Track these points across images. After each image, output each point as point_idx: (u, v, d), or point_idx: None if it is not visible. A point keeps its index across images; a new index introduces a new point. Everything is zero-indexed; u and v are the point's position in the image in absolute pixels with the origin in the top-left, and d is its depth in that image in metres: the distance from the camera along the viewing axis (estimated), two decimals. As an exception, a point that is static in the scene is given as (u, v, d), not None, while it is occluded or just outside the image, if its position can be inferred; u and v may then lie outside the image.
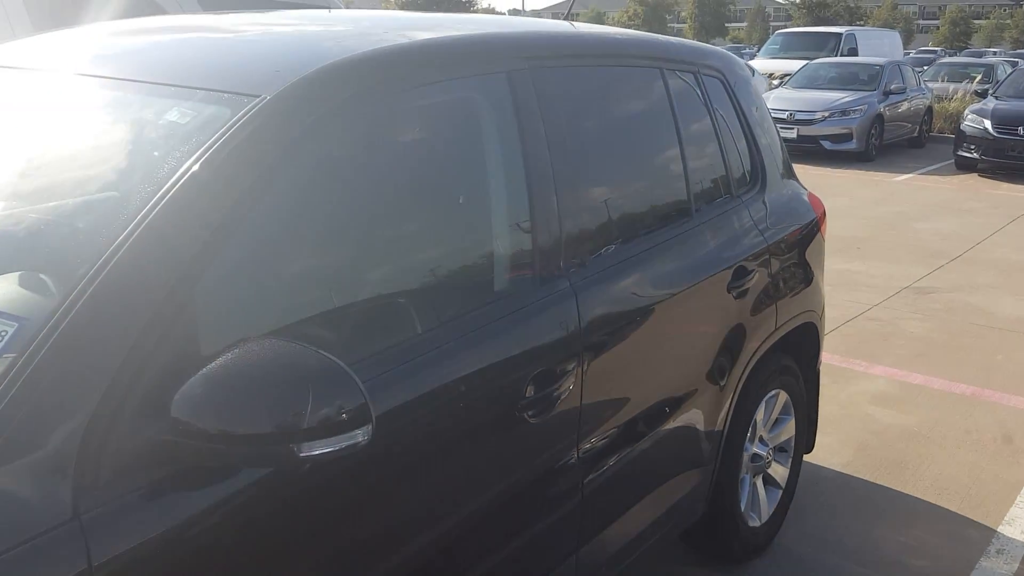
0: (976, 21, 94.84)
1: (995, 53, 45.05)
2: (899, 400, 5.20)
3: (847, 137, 14.99)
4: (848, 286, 7.50)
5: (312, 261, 1.95)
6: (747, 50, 35.74)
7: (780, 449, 3.70)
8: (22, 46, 2.43)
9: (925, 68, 23.11)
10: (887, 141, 15.80)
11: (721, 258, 3.09)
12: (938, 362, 5.84)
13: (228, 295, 1.75)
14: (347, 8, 5.68)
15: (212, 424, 1.55)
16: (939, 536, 3.79)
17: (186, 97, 1.96)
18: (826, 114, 15.06)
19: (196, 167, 1.71)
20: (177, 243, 1.65)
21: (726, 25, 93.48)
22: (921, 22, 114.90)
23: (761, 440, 3.53)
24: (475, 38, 2.43)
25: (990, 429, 4.84)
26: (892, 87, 15.97)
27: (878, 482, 4.23)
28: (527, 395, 2.24)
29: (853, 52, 21.13)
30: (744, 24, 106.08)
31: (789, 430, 3.71)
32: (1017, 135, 13.43)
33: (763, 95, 15.50)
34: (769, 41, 24.25)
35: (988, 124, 13.74)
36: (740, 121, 3.44)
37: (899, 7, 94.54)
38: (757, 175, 3.49)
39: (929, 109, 17.49)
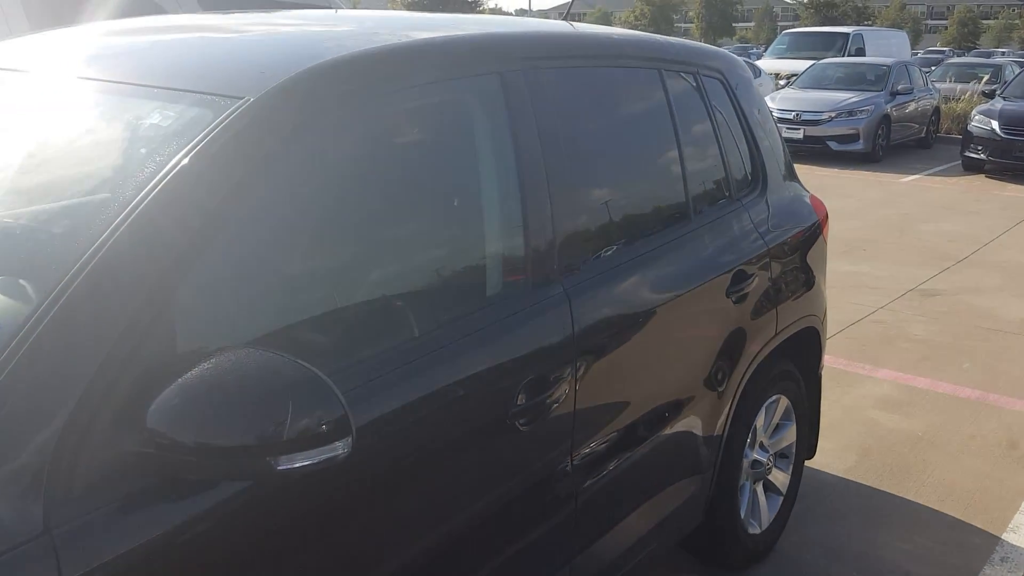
0: (984, 21, 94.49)
1: (1003, 53, 44.91)
2: (903, 404, 5.15)
3: (854, 138, 14.92)
4: (853, 288, 7.44)
5: (297, 268, 1.90)
6: (754, 50, 35.67)
7: (781, 455, 3.65)
8: (3, 47, 2.39)
9: (933, 68, 23.01)
10: (894, 142, 15.73)
11: (720, 262, 3.04)
12: (943, 365, 5.78)
13: (208, 303, 1.71)
14: (353, 8, 5.65)
15: (189, 436, 1.51)
16: (942, 543, 3.74)
17: (168, 99, 1.92)
18: (833, 114, 14.99)
19: (175, 172, 1.67)
20: (155, 250, 1.61)
21: (733, 25, 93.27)
22: (929, 22, 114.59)
23: (761, 446, 3.48)
24: (467, 39, 2.39)
25: (995, 434, 4.79)
26: (899, 87, 15.90)
27: (881, 488, 4.18)
28: (519, 403, 2.20)
29: (860, 52, 21.05)
30: (751, 24, 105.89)
31: (790, 436, 3.66)
32: (1025, 136, 13.36)
33: (770, 95, 15.57)
34: (776, 41, 24.17)
35: (995, 125, 13.65)
36: (741, 122, 3.40)
37: (907, 7, 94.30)
38: (758, 177, 3.45)
39: (936, 110, 17.41)
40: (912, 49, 29.40)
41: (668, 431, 2.82)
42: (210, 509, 1.61)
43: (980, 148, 13.83)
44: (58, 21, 3.23)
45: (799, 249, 3.58)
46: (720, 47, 3.79)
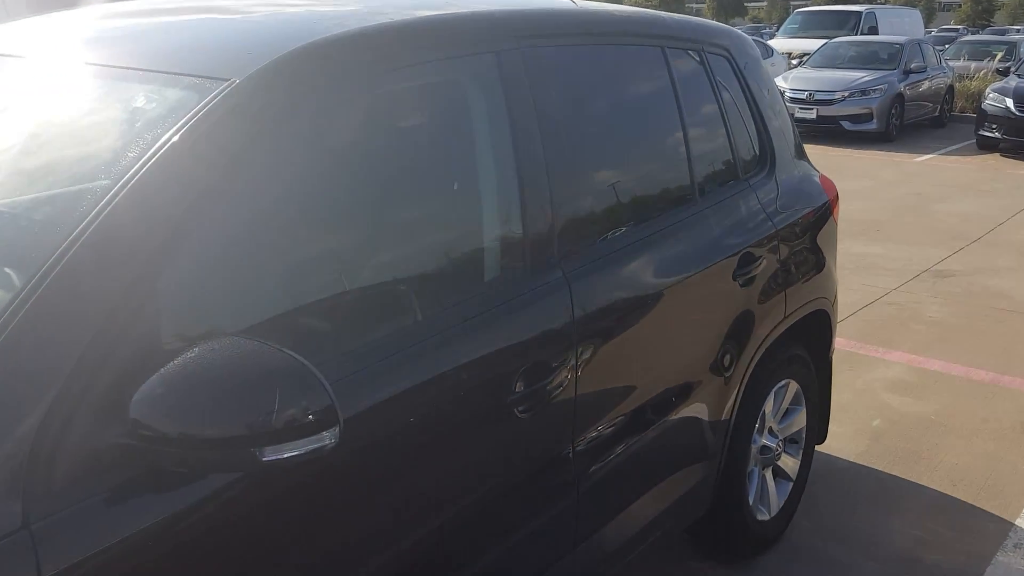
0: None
1: (1018, 31, 44.40)
2: (916, 387, 5.08)
3: (867, 117, 14.77)
4: (866, 270, 7.36)
5: (285, 255, 1.85)
6: (766, 30, 35.38)
7: (791, 440, 3.60)
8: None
9: (946, 46, 22.73)
10: (908, 121, 15.57)
11: (726, 244, 2.98)
12: (957, 347, 5.70)
13: (193, 291, 1.66)
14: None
15: (174, 427, 1.47)
16: (954, 529, 3.69)
17: (153, 82, 1.87)
18: (846, 94, 14.84)
19: (157, 157, 1.63)
20: (137, 236, 1.57)
21: (745, 4, 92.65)
22: (943, 0, 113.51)
23: (770, 431, 3.43)
24: (461, 16, 2.32)
25: (1009, 417, 4.72)
26: (912, 66, 15.73)
27: (892, 473, 4.12)
28: (517, 389, 2.15)
29: (873, 31, 20.85)
30: (764, 3, 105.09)
31: (800, 421, 3.60)
32: (1040, 114, 13.20)
33: (782, 75, 15.43)
34: (788, 20, 23.95)
35: (1010, 103, 13.49)
36: (748, 101, 3.33)
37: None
38: (766, 157, 3.38)
39: (950, 88, 17.23)
40: (926, 27, 29.12)
41: (673, 417, 2.77)
42: (197, 502, 1.57)
43: (995, 126, 13.67)
44: (58, 5, 3.18)
45: (809, 230, 3.51)
46: (732, 27, 3.70)
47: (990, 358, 5.52)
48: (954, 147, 14.52)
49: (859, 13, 21.80)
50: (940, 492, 3.97)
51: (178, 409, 1.47)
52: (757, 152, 3.34)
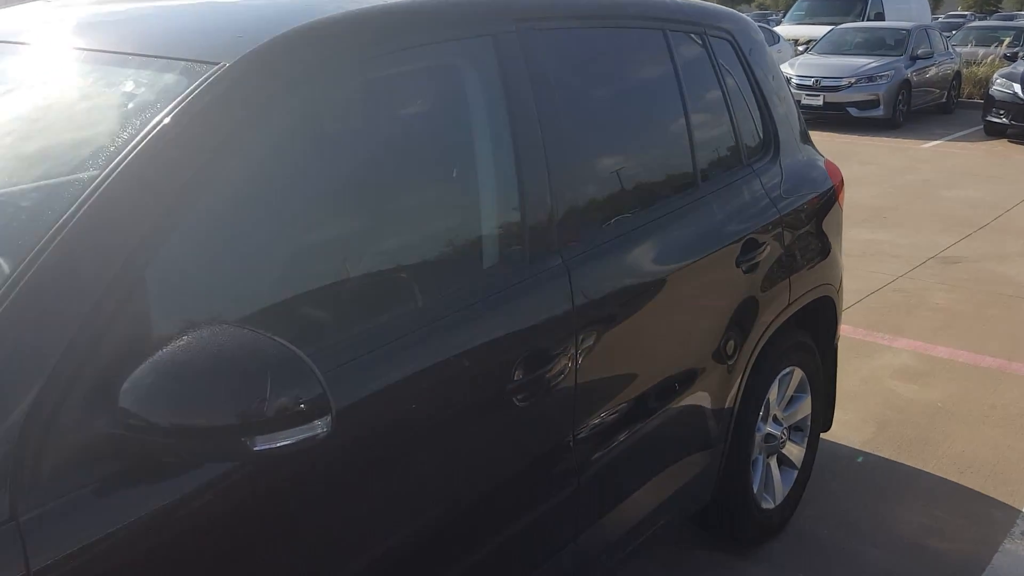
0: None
1: (1027, 16, 44.09)
2: (923, 374, 5.04)
3: (874, 104, 14.68)
4: (872, 256, 7.31)
5: (279, 241, 1.82)
6: (773, 16, 35.21)
7: (795, 428, 3.57)
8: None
9: (953, 32, 22.59)
10: (915, 107, 15.48)
11: (729, 231, 2.94)
12: (964, 334, 5.66)
13: (183, 278, 1.63)
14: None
15: (164, 416, 1.44)
16: (961, 517, 3.65)
17: (142, 67, 1.84)
18: (852, 80, 14.75)
19: (146, 142, 1.60)
20: (126, 222, 1.54)
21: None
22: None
23: (775, 419, 3.40)
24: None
25: (1016, 403, 4.68)
26: (919, 52, 15.63)
27: (899, 460, 4.09)
28: (516, 378, 2.12)
29: (880, 17, 20.72)
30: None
31: (805, 408, 3.57)
32: (1048, 99, 13.10)
33: (788, 62, 15.34)
34: (794, 7, 23.80)
35: (1018, 88, 13.38)
36: (752, 85, 3.29)
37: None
38: (770, 142, 3.34)
39: (958, 74, 17.11)
40: (932, 13, 28.95)
41: (675, 405, 2.74)
42: (189, 494, 1.54)
43: (1002, 112, 13.57)
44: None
45: (814, 216, 3.47)
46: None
47: (998, 344, 5.48)
48: (961, 133, 14.43)
49: (866, -1, 21.67)
50: (947, 479, 3.93)
51: (168, 398, 1.44)
52: (761, 137, 3.31)
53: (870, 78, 14.74)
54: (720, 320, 2.90)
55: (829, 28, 17.55)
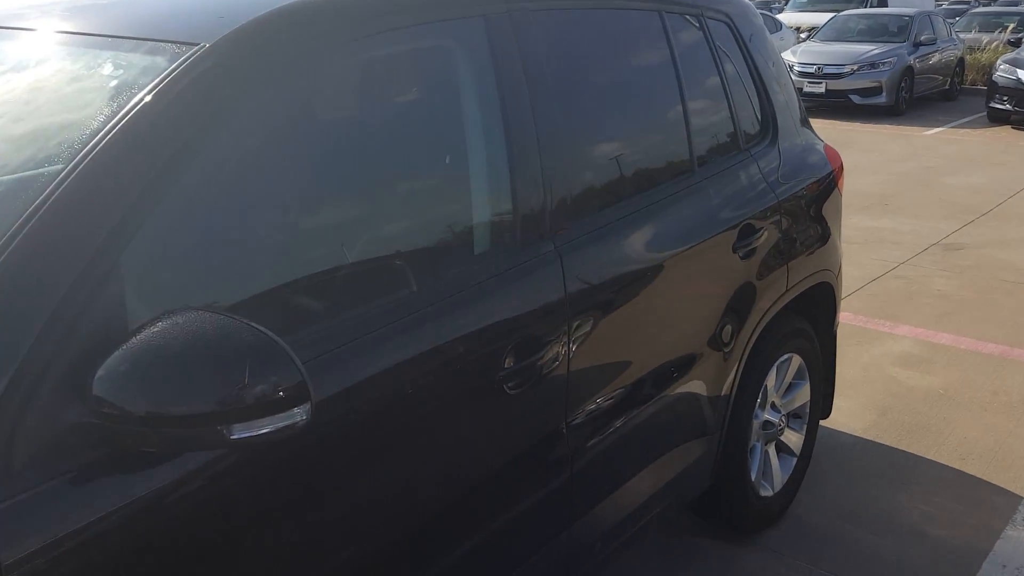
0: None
1: (1031, 2, 43.82)
2: (924, 361, 5.01)
3: (876, 91, 14.60)
4: (874, 244, 7.27)
5: (260, 225, 1.78)
6: (776, 4, 35.08)
7: (794, 415, 3.53)
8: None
9: (957, 19, 22.45)
10: (918, 94, 15.40)
11: (725, 216, 2.90)
12: (966, 321, 5.62)
13: (160, 263, 1.60)
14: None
15: (139, 404, 1.41)
16: (963, 503, 3.62)
17: (120, 48, 1.80)
18: (855, 67, 14.66)
19: (123, 124, 1.56)
20: (100, 207, 1.50)
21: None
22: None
23: (773, 406, 3.36)
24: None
25: (1018, 390, 4.64)
26: (922, 38, 15.53)
27: (899, 447, 4.05)
28: (507, 365, 2.09)
29: (882, 3, 20.59)
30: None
31: (804, 395, 3.53)
32: (1052, 85, 13.02)
33: (791, 49, 15.26)
34: (797, -6, 23.68)
35: (1021, 74, 13.29)
36: (749, 68, 3.24)
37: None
38: (768, 126, 3.30)
39: (961, 61, 17.01)
40: (936, 0, 28.78)
41: (671, 392, 2.71)
42: (166, 486, 1.50)
43: (1006, 99, 13.49)
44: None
45: (812, 201, 3.43)
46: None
47: (999, 331, 5.44)
48: (964, 120, 14.35)
49: (868, -15, 21.54)
50: (948, 466, 3.90)
51: (143, 386, 1.41)
52: (759, 121, 3.26)
53: (873, 65, 14.66)
54: (716, 306, 2.86)
55: (831, 15, 17.45)
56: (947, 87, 16.50)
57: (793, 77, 3.46)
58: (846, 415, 4.28)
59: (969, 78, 17.55)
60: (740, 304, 2.95)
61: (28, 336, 1.40)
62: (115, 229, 1.50)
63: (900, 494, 3.68)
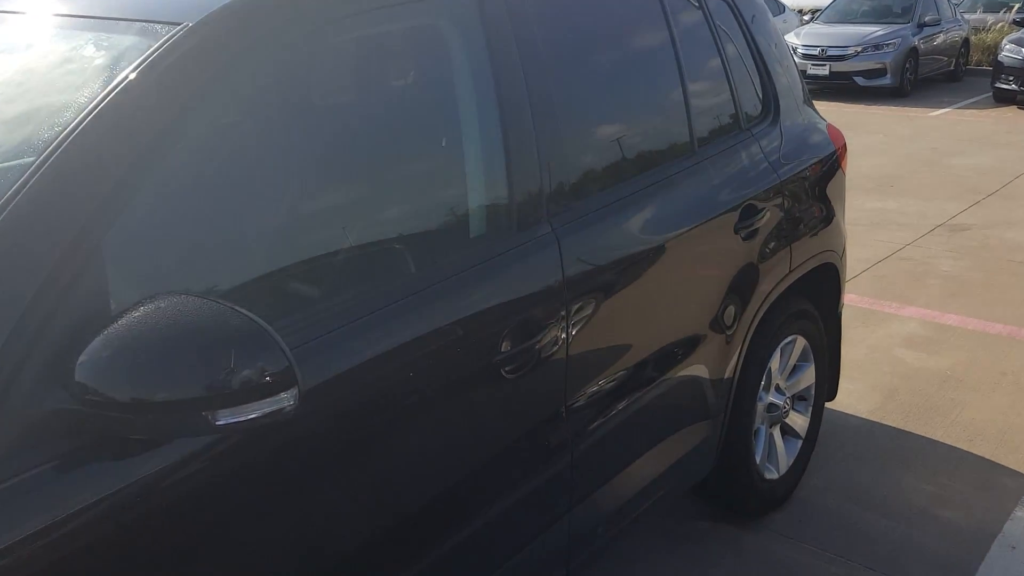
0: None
1: (1036, -18, 43.54)
2: (931, 342, 4.96)
3: (881, 72, 14.51)
4: (879, 225, 7.21)
5: (246, 207, 1.74)
6: (778, -12, 34.90)
7: (799, 398, 3.50)
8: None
9: (962, -1, 22.34)
10: (922, 76, 15.30)
11: (727, 197, 2.86)
12: (973, 301, 5.57)
13: (144, 246, 1.56)
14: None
15: (123, 390, 1.37)
16: (971, 485, 3.58)
17: (101, 29, 1.77)
18: (859, 49, 14.58)
19: (105, 105, 1.53)
20: (82, 189, 1.47)
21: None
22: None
23: (777, 389, 3.33)
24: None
25: (1027, 370, 4.60)
26: (927, 19, 15.41)
27: (907, 429, 4.02)
28: (504, 349, 2.05)
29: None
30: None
31: (809, 377, 3.49)
32: (1058, 64, 12.92)
33: (794, 31, 15.16)
34: (800, -24, 23.55)
35: (1028, 54, 13.22)
36: (751, 49, 3.19)
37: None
38: (770, 104, 3.25)
39: (966, 41, 16.90)
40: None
41: (672, 375, 2.67)
42: (152, 475, 1.47)
43: (1011, 79, 13.40)
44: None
45: (815, 181, 3.39)
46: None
47: (1007, 311, 5.39)
48: (970, 101, 14.25)
49: (872, -34, 21.39)
50: (956, 448, 3.86)
51: (127, 372, 1.37)
52: (761, 101, 3.22)
53: (877, 46, 14.56)
54: (718, 289, 2.82)
55: (835, -4, 17.36)
56: (952, 68, 16.39)
57: (796, 59, 3.40)
58: (852, 397, 4.25)
59: (974, 58, 17.45)
60: (742, 286, 2.91)
61: (8, 321, 1.37)
62: (97, 211, 1.47)
63: (907, 476, 3.65)
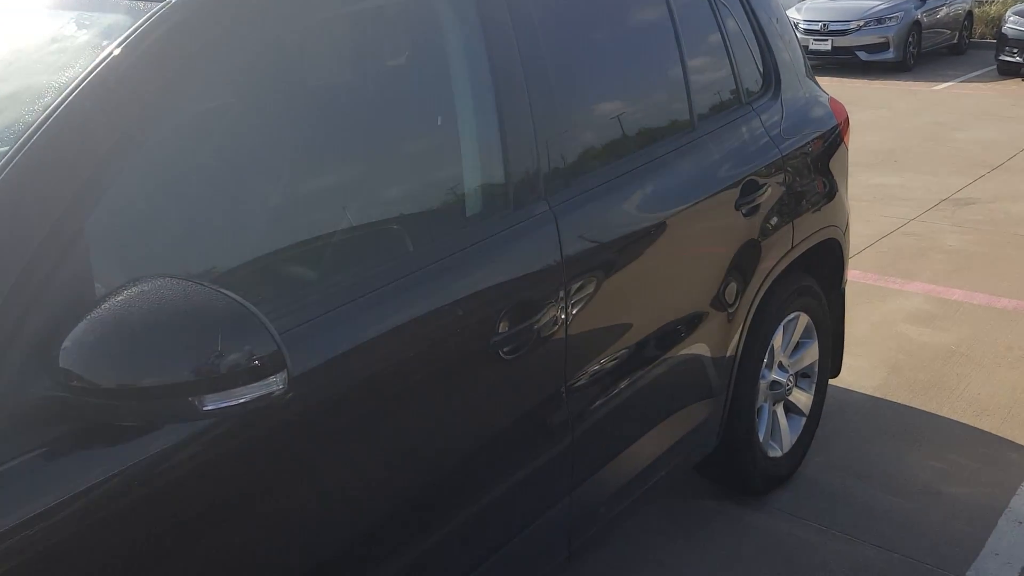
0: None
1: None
2: (936, 317, 4.92)
3: (884, 47, 14.39)
4: (883, 200, 7.16)
5: (236, 188, 1.71)
6: (780, -37, 34.65)
7: (803, 375, 3.47)
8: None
9: (965, -29, 22.15)
10: (925, 49, 15.17)
11: (727, 173, 2.82)
12: (978, 276, 5.53)
13: (130, 229, 1.53)
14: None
15: (108, 376, 1.34)
16: (977, 460, 3.55)
17: (82, 7, 1.73)
18: (861, 23, 14.45)
19: (88, 83, 1.49)
20: (64, 169, 1.43)
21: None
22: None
23: (780, 366, 3.29)
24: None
25: (1033, 344, 4.56)
26: (930, -8, 15.30)
27: (912, 405, 3.98)
28: (501, 330, 2.02)
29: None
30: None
31: (812, 354, 3.46)
32: (1062, 36, 12.81)
33: (795, 6, 15.03)
34: (801, -49, 23.36)
35: (1032, 26, 13.11)
36: (751, 23, 3.14)
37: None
38: (770, 78, 3.20)
39: (969, 14, 16.75)
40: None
41: (674, 354, 2.64)
42: (140, 462, 1.44)
43: (1015, 51, 13.29)
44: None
45: (817, 156, 3.34)
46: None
47: (1013, 285, 5.35)
48: (974, 74, 14.15)
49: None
50: (962, 423, 3.83)
51: (113, 357, 1.34)
52: (761, 73, 3.17)
53: (879, 20, 14.43)
54: (719, 266, 2.79)
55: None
56: (955, 41, 16.25)
57: (798, 35, 3.37)
58: (857, 374, 4.21)
59: (978, 31, 17.31)
60: (744, 263, 2.88)
61: (-11, 307, 1.34)
62: (80, 192, 1.43)
63: (913, 452, 3.62)
